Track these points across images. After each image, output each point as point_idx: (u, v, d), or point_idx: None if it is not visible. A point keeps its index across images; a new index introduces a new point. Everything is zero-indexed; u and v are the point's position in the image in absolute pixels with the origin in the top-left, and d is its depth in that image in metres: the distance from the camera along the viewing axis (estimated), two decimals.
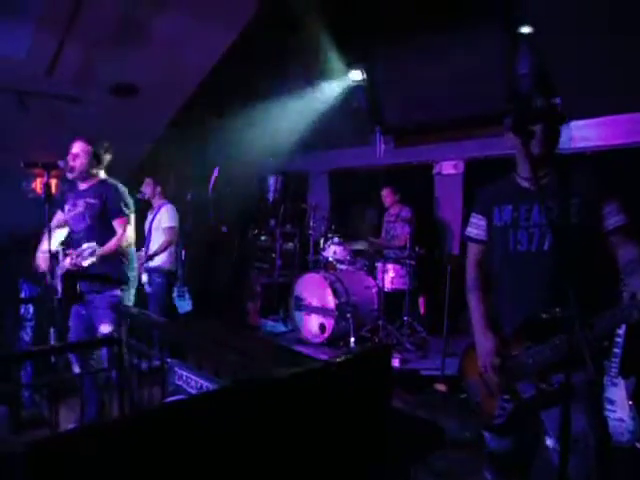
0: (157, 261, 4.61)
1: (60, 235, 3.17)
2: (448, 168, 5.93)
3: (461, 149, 5.73)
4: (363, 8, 4.76)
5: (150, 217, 4.77)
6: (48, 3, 3.89)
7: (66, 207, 3.10)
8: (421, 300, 5.42)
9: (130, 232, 3.05)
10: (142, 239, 4.61)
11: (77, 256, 2.75)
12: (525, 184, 1.80)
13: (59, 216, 3.15)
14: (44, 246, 3.04)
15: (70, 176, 3.02)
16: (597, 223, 1.68)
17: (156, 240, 4.65)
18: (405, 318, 5.01)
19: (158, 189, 4.78)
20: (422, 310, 5.41)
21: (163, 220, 4.66)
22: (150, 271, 4.63)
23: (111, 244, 2.95)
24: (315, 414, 1.22)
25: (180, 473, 1.02)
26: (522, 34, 4.53)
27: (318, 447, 1.21)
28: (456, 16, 4.67)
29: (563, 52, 4.32)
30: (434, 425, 1.44)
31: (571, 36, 4.22)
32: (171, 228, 4.64)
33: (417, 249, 4.98)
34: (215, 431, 1.09)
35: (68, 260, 2.81)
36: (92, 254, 2.73)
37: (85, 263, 2.74)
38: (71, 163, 2.96)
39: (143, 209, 4.75)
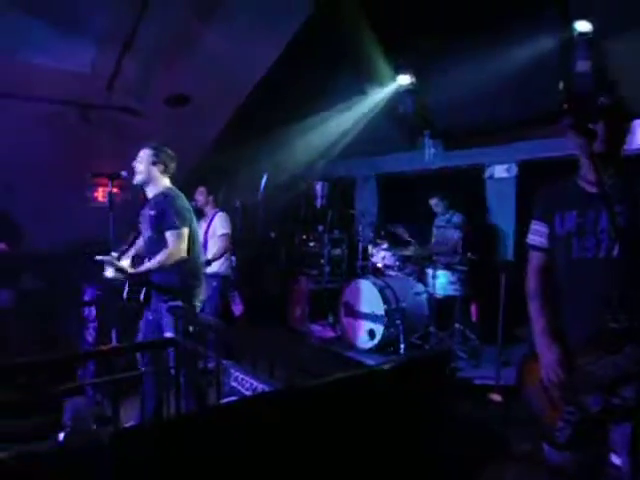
0: (214, 267, 4.75)
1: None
2: (500, 171, 5.76)
3: (513, 151, 5.56)
4: (410, 11, 4.72)
5: (204, 225, 4.91)
6: (110, 20, 4.10)
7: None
8: (473, 307, 5.28)
9: (180, 245, 2.96)
10: None
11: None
12: (590, 187, 1.71)
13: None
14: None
15: (134, 181, 3.10)
16: None
17: (212, 247, 4.79)
18: (457, 325, 4.90)
19: (211, 198, 4.96)
20: (474, 317, 5.26)
21: (218, 228, 4.82)
22: (207, 277, 4.78)
23: (155, 259, 2.97)
24: (372, 417, 1.22)
25: (239, 471, 1.05)
26: (579, 30, 4.33)
27: (375, 450, 1.21)
28: (507, 12, 4.53)
29: (622, 48, 4.11)
30: (495, 435, 1.40)
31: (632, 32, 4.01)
32: (226, 235, 4.81)
33: (469, 255, 4.87)
34: (273, 432, 1.11)
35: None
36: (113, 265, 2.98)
37: (108, 273, 2.99)
38: (134, 165, 3.07)
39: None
